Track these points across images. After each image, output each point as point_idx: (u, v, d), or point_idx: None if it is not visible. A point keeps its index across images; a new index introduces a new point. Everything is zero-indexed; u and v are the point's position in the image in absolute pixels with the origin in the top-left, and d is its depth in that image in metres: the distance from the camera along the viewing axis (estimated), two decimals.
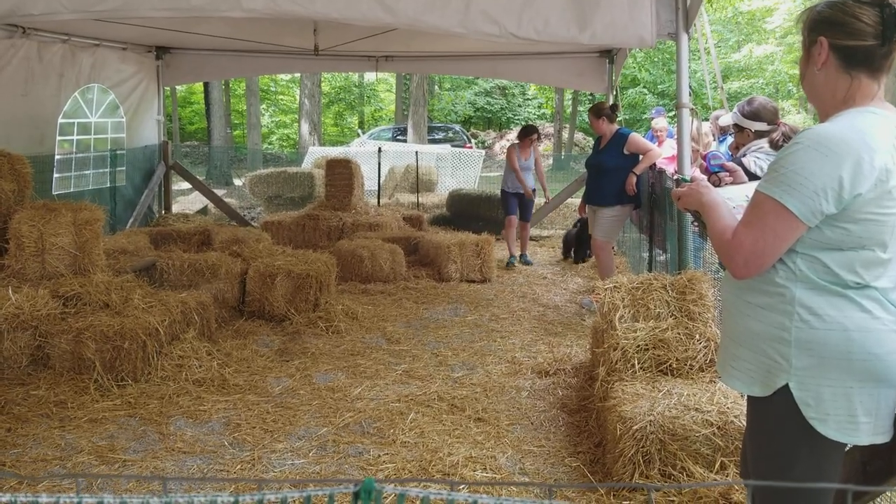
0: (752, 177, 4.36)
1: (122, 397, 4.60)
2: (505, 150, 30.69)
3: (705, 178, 3.86)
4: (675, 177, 5.01)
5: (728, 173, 4.48)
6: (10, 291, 4.89)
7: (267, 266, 6.51)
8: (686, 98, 5.07)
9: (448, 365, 5.46)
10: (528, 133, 9.37)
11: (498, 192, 12.57)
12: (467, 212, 11.90)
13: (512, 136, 32.66)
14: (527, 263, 9.33)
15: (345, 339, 6.06)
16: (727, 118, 4.91)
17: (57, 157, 9.12)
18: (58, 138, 9.12)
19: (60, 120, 9.12)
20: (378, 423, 4.35)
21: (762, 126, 4.61)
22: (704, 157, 5.26)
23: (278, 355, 5.63)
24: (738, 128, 4.72)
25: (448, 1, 5.14)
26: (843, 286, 1.93)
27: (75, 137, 9.60)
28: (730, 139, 5.71)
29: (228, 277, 6.50)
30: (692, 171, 5.13)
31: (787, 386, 1.95)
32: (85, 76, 9.49)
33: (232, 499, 0.91)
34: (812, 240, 1.94)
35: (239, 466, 3.76)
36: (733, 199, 2.41)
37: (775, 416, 2.00)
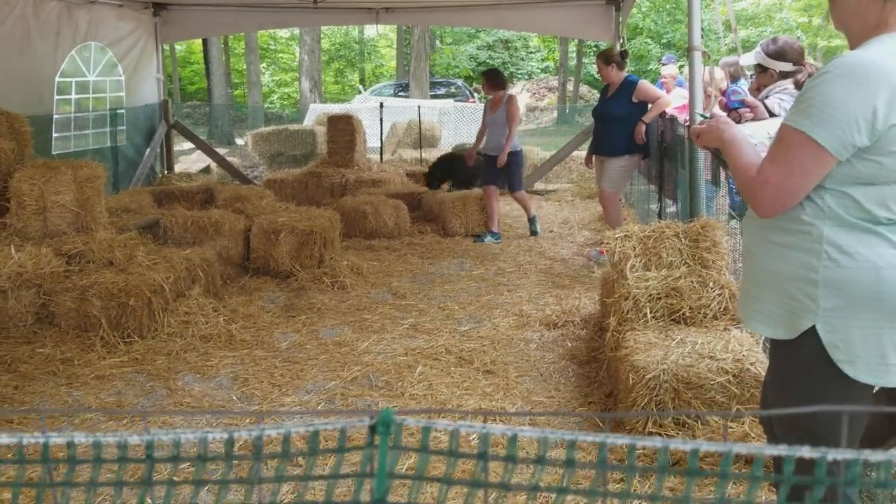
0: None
1: (128, 354, 4.58)
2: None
3: (725, 114, 3.73)
4: (687, 117, 4.88)
5: (749, 109, 4.33)
6: (13, 250, 4.83)
7: (271, 223, 6.44)
8: (698, 41, 4.92)
9: (455, 318, 5.41)
10: (491, 80, 8.02)
11: None
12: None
13: (516, 90, 32.31)
14: (534, 233, 8.09)
15: (350, 294, 6.01)
16: (749, 57, 4.72)
17: (55, 116, 8.99)
18: (56, 97, 8.99)
19: (58, 79, 8.97)
20: (386, 377, 4.32)
21: (787, 66, 4.42)
22: (724, 93, 5.12)
23: (284, 311, 5.59)
24: (761, 68, 4.53)
25: None
26: (874, 222, 1.84)
27: (73, 97, 9.45)
28: (743, 83, 5.56)
29: (232, 234, 6.44)
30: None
31: (813, 328, 1.88)
32: (82, 34, 9.31)
33: (225, 434, 0.85)
34: (842, 174, 1.84)
35: (248, 420, 3.73)
36: (754, 136, 2.31)
37: (801, 360, 1.93)
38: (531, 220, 8.18)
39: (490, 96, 8.10)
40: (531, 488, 0.81)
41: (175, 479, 0.92)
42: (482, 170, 8.33)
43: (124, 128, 10.44)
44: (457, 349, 4.74)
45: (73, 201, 5.39)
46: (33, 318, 4.87)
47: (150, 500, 0.88)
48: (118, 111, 10.32)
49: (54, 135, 8.88)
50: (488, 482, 0.83)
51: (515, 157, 7.88)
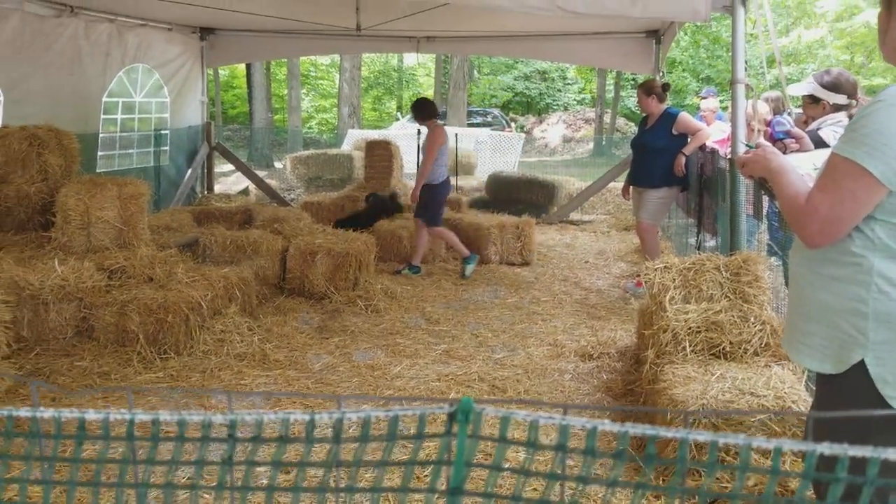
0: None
1: (164, 370, 4.62)
2: (545, 135, 30.50)
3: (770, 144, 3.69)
4: (727, 151, 4.83)
5: (794, 140, 4.28)
6: (57, 263, 4.92)
7: (307, 244, 6.49)
8: (741, 74, 4.89)
9: (488, 346, 5.38)
10: (415, 111, 7.67)
11: (539, 175, 12.47)
12: (507, 195, 11.77)
13: (552, 120, 32.37)
14: (462, 275, 7.45)
15: (384, 318, 6.01)
16: (801, 88, 4.67)
17: (101, 135, 9.21)
18: (102, 117, 9.20)
19: (105, 99, 9.20)
20: (417, 402, 4.28)
21: (841, 99, 4.34)
22: (768, 124, 5.07)
23: (318, 332, 5.61)
24: (812, 99, 4.46)
25: None
26: None
27: (119, 116, 9.68)
28: (787, 117, 5.50)
29: (269, 254, 6.50)
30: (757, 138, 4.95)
31: (862, 361, 1.83)
32: (130, 56, 9.55)
33: (307, 416, 0.85)
34: (893, 205, 1.80)
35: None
36: (801, 167, 2.27)
37: (848, 394, 1.87)
38: (464, 260, 7.58)
39: (422, 127, 7.76)
40: (609, 483, 0.80)
41: (255, 459, 0.93)
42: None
43: (167, 148, 10.66)
44: (490, 377, 4.70)
45: (117, 217, 5.49)
46: (73, 331, 4.94)
47: (229, 480, 0.88)
48: (162, 132, 10.54)
49: (99, 153, 9.09)
50: (566, 475, 0.81)
51: (431, 190, 7.39)
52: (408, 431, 1.05)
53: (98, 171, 8.82)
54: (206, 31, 10.87)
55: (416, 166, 13.09)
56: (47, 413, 0.88)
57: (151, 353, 4.72)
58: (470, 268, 7.55)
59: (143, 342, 4.75)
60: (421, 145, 7.79)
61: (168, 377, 4.53)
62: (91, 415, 0.87)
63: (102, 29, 8.89)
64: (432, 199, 7.46)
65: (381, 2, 7.66)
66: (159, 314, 4.78)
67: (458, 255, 7.73)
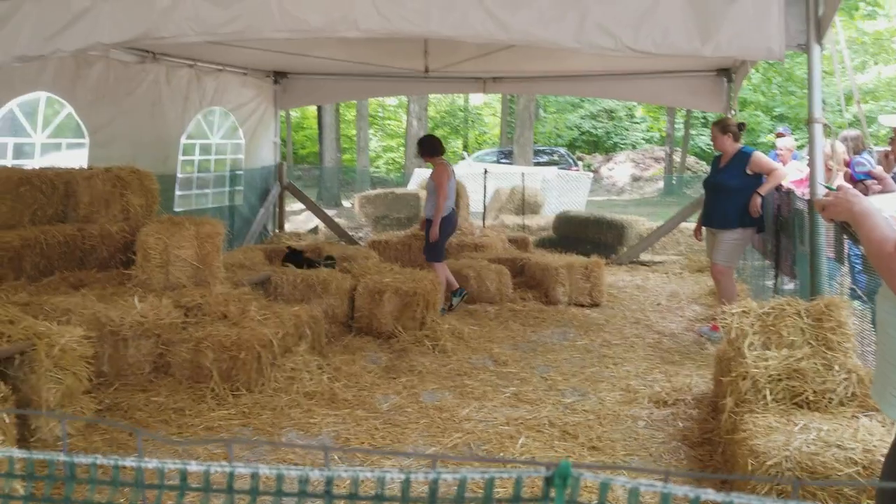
0: None
1: (236, 406, 4.68)
2: (612, 174, 30.24)
3: (851, 186, 3.56)
4: (805, 191, 4.68)
5: (876, 181, 4.12)
6: (136, 300, 5.08)
7: (375, 283, 6.54)
8: (819, 112, 4.75)
9: (558, 390, 5.29)
10: (421, 149, 7.75)
11: (607, 215, 12.34)
12: (575, 234, 11.67)
13: (620, 158, 32.11)
14: (442, 310, 7.13)
15: (451, 358, 5.99)
16: (890, 119, 4.51)
17: (180, 175, 9.55)
18: (181, 158, 9.55)
19: (184, 140, 9.55)
20: (487, 446, 4.23)
21: None
22: (848, 164, 4.90)
23: (386, 372, 5.62)
24: None
25: (563, 15, 5.02)
26: None
27: (197, 157, 10.03)
28: (867, 156, 5.32)
29: (338, 293, 6.57)
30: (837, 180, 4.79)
31: None
32: (208, 99, 9.93)
33: (403, 475, 0.83)
34: None
35: (348, 482, 3.71)
36: (885, 210, 2.18)
37: None
38: (453, 293, 7.52)
39: (427, 164, 7.72)
40: None
41: None
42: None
43: (241, 188, 10.98)
44: (560, 422, 4.61)
45: (194, 256, 5.65)
46: (150, 367, 5.07)
47: None
48: (237, 172, 10.87)
49: (177, 193, 9.42)
50: None
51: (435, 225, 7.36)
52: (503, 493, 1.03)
53: (176, 210, 9.13)
54: (279, 75, 11.22)
55: (482, 205, 13.17)
56: (151, 464, 0.89)
57: (224, 390, 4.80)
58: (456, 300, 7.56)
59: (217, 379, 4.84)
60: (426, 184, 7.75)
61: (240, 414, 4.59)
62: (193, 466, 0.88)
63: (182, 74, 9.27)
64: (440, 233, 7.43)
65: (449, 44, 7.77)
66: (232, 351, 4.87)
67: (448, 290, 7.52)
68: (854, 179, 4.29)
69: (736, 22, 4.62)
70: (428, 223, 7.49)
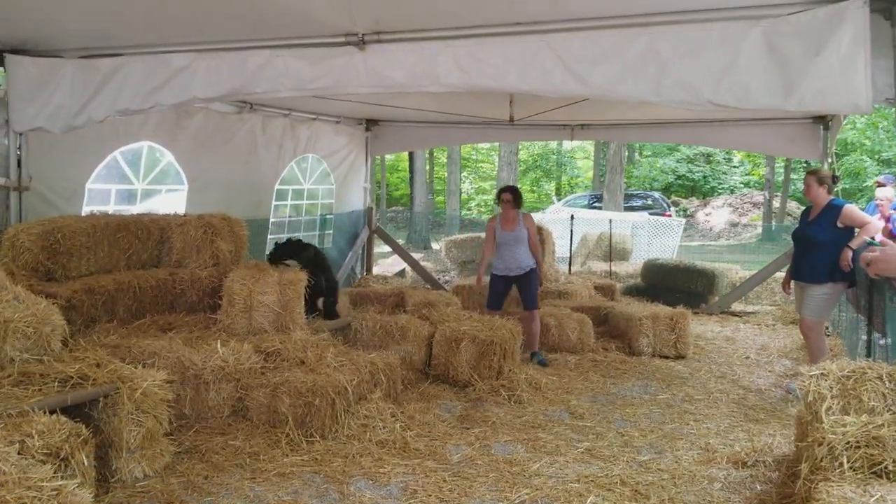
0: None
1: (309, 453, 4.78)
2: (709, 218, 29.44)
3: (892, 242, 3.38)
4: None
5: None
6: (219, 345, 5.29)
7: (453, 331, 6.58)
8: None
9: (634, 446, 5.15)
10: (504, 196, 7.79)
11: (697, 263, 12.02)
12: (663, 283, 11.40)
13: (717, 203, 31.28)
14: (541, 364, 7.36)
15: (527, 409, 5.93)
16: None
17: (272, 220, 9.94)
18: (274, 203, 9.96)
19: (277, 186, 9.96)
20: None
21: None
22: (888, 220, 4.64)
23: (459, 422, 5.62)
24: None
25: (642, 70, 5.00)
26: None
27: (289, 202, 10.43)
28: None
29: (416, 340, 6.65)
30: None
31: None
32: (302, 147, 10.35)
33: None
34: None
35: None
36: None
37: None
38: (535, 353, 7.54)
39: (500, 214, 7.84)
40: None
41: None
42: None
43: (332, 231, 11.32)
44: (633, 481, 4.49)
45: (276, 302, 5.86)
46: (229, 411, 5.25)
47: None
48: (328, 216, 11.23)
49: (269, 237, 9.80)
50: None
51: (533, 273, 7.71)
52: None
53: (268, 253, 9.50)
54: (371, 123, 11.59)
55: (568, 251, 13.07)
56: None
57: (299, 436, 4.91)
58: (537, 360, 7.52)
59: (292, 424, 4.96)
60: (506, 231, 7.74)
61: (312, 460, 4.67)
62: None
63: (277, 123, 9.71)
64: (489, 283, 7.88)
65: (533, 94, 7.86)
66: (307, 397, 4.99)
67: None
68: (894, 234, 4.05)
69: (820, 76, 4.49)
70: (507, 278, 7.67)
